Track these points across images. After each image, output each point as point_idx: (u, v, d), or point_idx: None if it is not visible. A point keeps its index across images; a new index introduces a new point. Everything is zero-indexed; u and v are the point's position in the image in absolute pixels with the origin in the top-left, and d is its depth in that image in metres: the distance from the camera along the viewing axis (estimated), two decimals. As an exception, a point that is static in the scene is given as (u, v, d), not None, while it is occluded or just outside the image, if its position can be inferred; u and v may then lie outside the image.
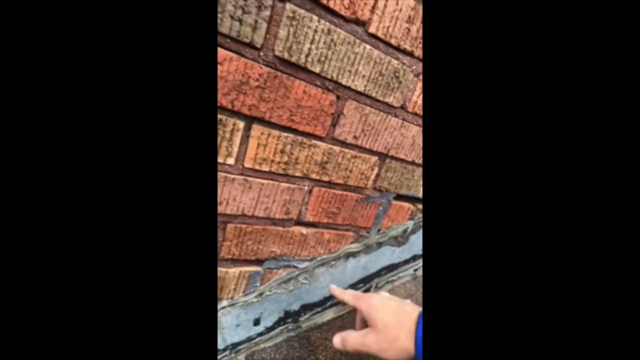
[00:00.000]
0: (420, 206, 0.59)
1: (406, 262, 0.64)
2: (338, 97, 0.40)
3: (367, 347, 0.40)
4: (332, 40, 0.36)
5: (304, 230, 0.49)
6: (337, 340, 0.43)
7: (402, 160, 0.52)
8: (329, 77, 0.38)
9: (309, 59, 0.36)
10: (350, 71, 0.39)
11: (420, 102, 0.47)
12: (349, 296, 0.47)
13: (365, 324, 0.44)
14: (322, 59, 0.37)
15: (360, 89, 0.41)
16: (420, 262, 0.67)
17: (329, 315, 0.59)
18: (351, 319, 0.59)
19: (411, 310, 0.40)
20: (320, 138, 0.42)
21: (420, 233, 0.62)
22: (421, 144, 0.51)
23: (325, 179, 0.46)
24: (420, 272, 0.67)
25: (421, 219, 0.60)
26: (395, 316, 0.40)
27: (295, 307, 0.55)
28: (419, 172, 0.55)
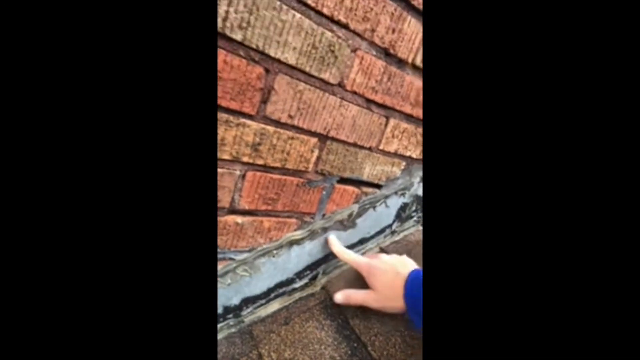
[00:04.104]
0: (364, 189, 0.59)
1: (353, 246, 0.64)
2: (267, 70, 0.37)
3: (369, 304, 0.52)
4: (253, 3, 0.32)
5: (239, 219, 0.45)
6: (340, 296, 0.54)
7: (344, 142, 0.50)
8: (253, 46, 0.34)
9: (227, 24, 0.32)
10: (278, 41, 0.35)
11: (358, 80, 0.45)
12: (351, 261, 0.56)
13: (364, 282, 0.54)
14: (244, 24, 0.33)
15: (292, 62, 0.38)
16: (368, 245, 0.68)
17: (274, 306, 0.56)
18: (297, 307, 0.57)
19: (404, 272, 0.50)
20: (249, 116, 0.38)
21: (366, 216, 0.61)
22: (362, 124, 0.50)
23: (260, 162, 0.42)
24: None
25: (366, 202, 0.60)
26: (389, 281, 0.50)
27: (235, 301, 0.51)
28: (361, 154, 0.53)
